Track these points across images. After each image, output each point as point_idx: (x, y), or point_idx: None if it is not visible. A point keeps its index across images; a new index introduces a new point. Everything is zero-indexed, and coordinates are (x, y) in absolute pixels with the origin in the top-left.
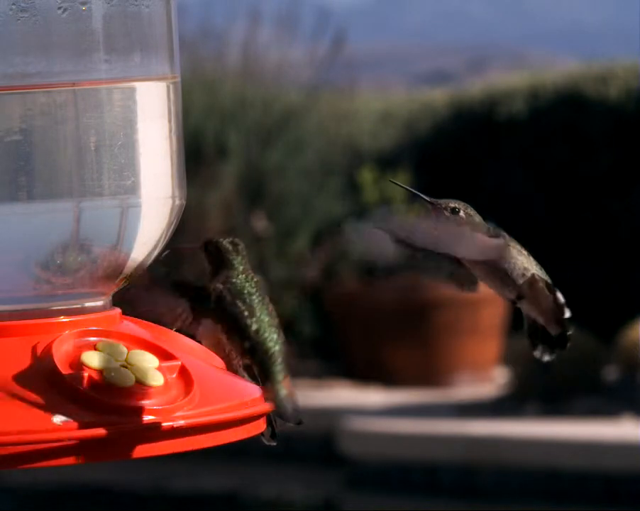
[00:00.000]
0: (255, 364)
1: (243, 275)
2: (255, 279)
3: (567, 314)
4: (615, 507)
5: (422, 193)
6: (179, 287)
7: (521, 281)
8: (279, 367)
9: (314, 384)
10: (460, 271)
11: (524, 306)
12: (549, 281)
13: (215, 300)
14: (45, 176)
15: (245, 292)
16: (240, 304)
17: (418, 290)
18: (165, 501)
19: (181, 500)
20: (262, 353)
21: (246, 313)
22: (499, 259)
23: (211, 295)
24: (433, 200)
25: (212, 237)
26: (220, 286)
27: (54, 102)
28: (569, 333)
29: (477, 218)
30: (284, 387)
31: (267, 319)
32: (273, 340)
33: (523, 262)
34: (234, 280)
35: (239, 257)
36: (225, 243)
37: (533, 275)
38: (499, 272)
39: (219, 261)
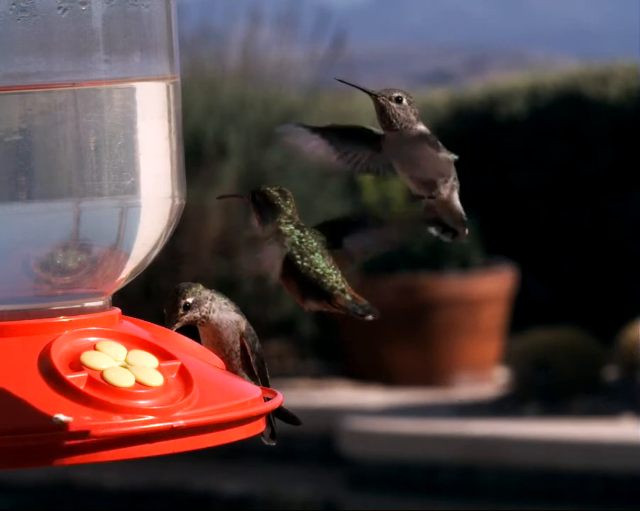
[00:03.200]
0: (317, 298)
1: (293, 222)
2: (303, 225)
3: (463, 216)
4: (615, 507)
5: None
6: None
7: (441, 187)
8: (342, 286)
9: (314, 384)
10: (376, 160)
11: (436, 203)
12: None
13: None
14: (45, 176)
15: (295, 236)
16: (290, 247)
17: (418, 290)
18: (165, 501)
19: (181, 500)
20: (318, 285)
21: (298, 255)
22: (440, 174)
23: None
24: (377, 92)
25: (259, 186)
26: (271, 235)
27: (54, 102)
28: (464, 230)
29: (417, 111)
30: (348, 293)
31: (319, 256)
32: (328, 272)
33: (448, 172)
34: (282, 227)
35: (287, 201)
36: (273, 190)
37: (451, 183)
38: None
39: (268, 209)
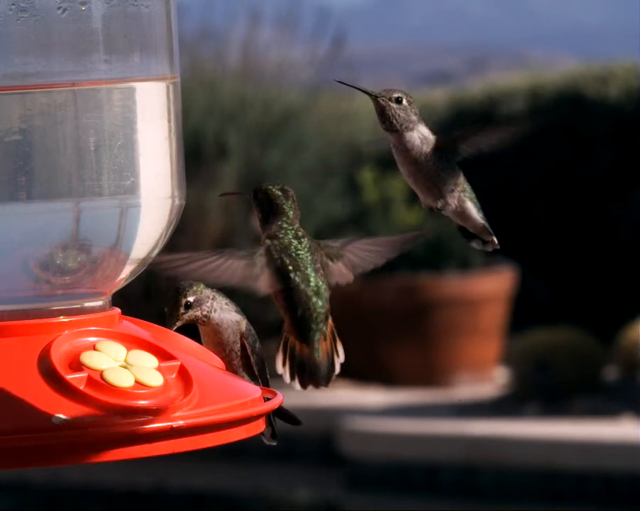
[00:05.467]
0: (294, 326)
1: (292, 229)
2: (302, 233)
3: (486, 226)
4: (615, 507)
5: None
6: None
7: (448, 196)
8: (320, 326)
9: None
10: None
11: (449, 214)
12: (474, 199)
13: (264, 256)
14: (45, 176)
15: (292, 246)
16: (285, 258)
17: (418, 290)
18: (165, 501)
19: (181, 500)
20: (303, 309)
21: (290, 267)
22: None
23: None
24: (377, 93)
25: (261, 184)
26: (268, 241)
27: (53, 102)
28: (493, 239)
29: (418, 111)
30: (320, 348)
31: (312, 273)
32: (316, 296)
33: (454, 180)
34: (281, 235)
35: (289, 202)
36: (275, 189)
37: (459, 194)
38: (428, 182)
39: (270, 207)
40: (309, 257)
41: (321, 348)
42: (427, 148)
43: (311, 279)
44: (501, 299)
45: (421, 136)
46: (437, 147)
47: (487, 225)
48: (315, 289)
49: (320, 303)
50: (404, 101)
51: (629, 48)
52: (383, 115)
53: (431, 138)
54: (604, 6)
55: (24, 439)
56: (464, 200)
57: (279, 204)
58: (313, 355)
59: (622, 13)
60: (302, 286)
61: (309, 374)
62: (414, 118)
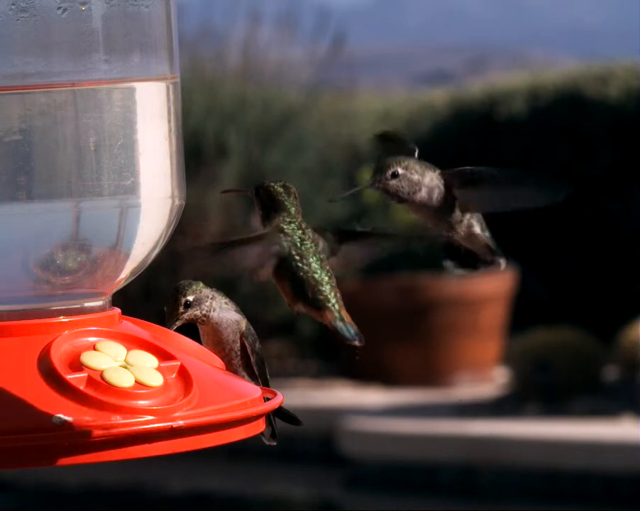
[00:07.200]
0: (308, 305)
1: (295, 222)
2: (305, 226)
3: (494, 247)
4: (615, 507)
5: None
6: (239, 241)
7: (457, 227)
8: (333, 301)
9: (314, 384)
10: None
11: (456, 238)
12: (481, 219)
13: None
14: (45, 176)
15: (297, 237)
16: (290, 248)
17: (418, 290)
18: (165, 501)
19: (181, 500)
20: (313, 292)
21: (297, 257)
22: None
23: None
24: (372, 179)
25: (263, 181)
26: (268, 236)
27: (53, 102)
28: (496, 258)
29: (416, 166)
30: (342, 314)
31: (318, 262)
32: (324, 280)
33: (464, 209)
34: (285, 226)
35: (291, 198)
36: (277, 186)
37: (468, 220)
38: (441, 222)
39: (271, 204)
40: (314, 248)
41: (343, 314)
42: (437, 196)
43: (317, 269)
44: (501, 299)
45: (429, 191)
46: (448, 188)
47: (491, 243)
48: (322, 278)
49: (328, 288)
50: (400, 171)
51: (629, 48)
52: (389, 195)
53: (441, 184)
54: (604, 6)
55: (24, 439)
56: (472, 224)
57: (281, 200)
58: (336, 318)
59: (622, 13)
60: (310, 274)
61: (340, 330)
62: (417, 178)
